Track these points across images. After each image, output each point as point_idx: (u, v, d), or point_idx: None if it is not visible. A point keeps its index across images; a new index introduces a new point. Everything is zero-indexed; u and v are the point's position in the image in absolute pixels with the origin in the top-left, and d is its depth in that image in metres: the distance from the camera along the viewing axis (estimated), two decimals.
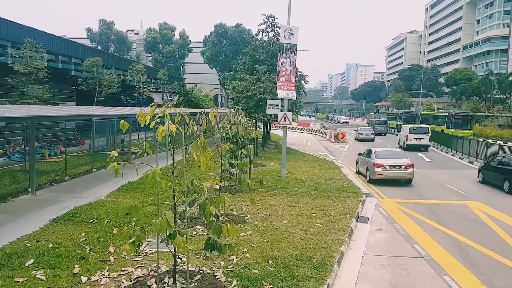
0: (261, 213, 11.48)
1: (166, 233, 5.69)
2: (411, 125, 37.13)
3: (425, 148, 33.50)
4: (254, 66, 26.61)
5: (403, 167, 18.05)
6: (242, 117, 10.24)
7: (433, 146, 36.04)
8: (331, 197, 14.14)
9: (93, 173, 17.37)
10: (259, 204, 12.48)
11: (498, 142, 34.34)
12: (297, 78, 27.67)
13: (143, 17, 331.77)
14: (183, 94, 38.94)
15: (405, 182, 18.51)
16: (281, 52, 17.39)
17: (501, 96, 71.84)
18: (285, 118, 17.53)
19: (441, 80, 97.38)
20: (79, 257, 7.76)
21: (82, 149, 23.27)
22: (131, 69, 32.89)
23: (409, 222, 11.89)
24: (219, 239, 6.44)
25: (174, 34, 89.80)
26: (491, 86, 66.79)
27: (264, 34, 29.02)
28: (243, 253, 8.15)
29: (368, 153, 20.09)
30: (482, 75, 78.14)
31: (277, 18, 28.70)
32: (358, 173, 21.17)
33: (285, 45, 17.35)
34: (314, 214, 11.56)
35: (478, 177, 19.63)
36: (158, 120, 5.97)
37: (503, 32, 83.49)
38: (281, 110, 18.09)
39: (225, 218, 10.63)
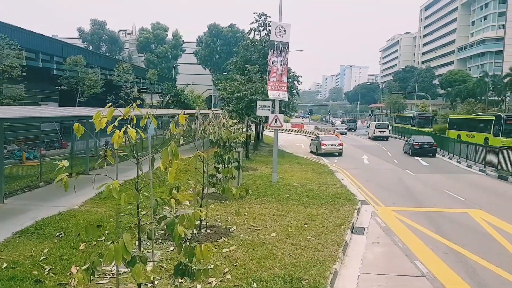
0: (248, 224, 10.53)
1: (124, 261, 4.73)
2: (377, 122, 53.03)
3: (386, 138, 47.03)
4: (246, 66, 25.69)
5: (336, 145, 30.06)
6: (226, 119, 9.31)
7: None
8: (324, 205, 13.22)
9: (71, 178, 16.30)
10: (246, 214, 11.54)
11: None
12: (289, 79, 26.78)
13: (139, 18, 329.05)
14: (174, 95, 37.90)
15: (404, 188, 17.73)
16: (272, 51, 16.48)
17: (496, 98, 71.46)
18: (276, 120, 16.60)
19: (436, 81, 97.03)
20: (35, 279, 6.78)
21: (64, 152, 22.22)
22: (117, 68, 31.76)
23: (408, 233, 10.99)
24: (191, 264, 5.49)
25: (167, 34, 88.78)
26: (486, 88, 66.28)
27: (256, 33, 28.12)
28: (223, 274, 7.20)
29: (317, 138, 33.03)
30: (477, 77, 77.78)
31: (269, 17, 27.82)
32: (311, 152, 31.75)
33: (276, 43, 16.43)
34: (305, 225, 10.64)
35: (403, 149, 33.22)
36: (116, 124, 4.99)
37: (498, 34, 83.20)
38: (272, 112, 17.16)
39: (208, 231, 9.68)
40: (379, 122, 53.15)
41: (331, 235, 9.91)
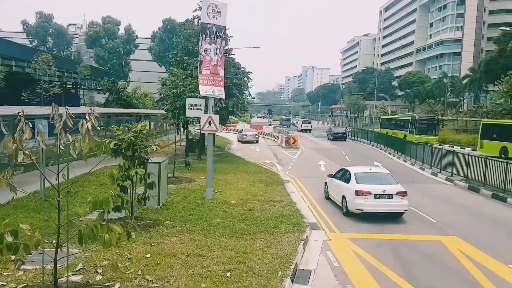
0: (143, 276, 7.28)
1: None
2: (303, 119, 76.04)
3: (309, 130, 63.58)
4: (184, 58, 22.36)
5: (254, 135, 42.06)
6: (93, 122, 6.02)
7: (389, 153, 33.19)
8: (263, 234, 10.17)
9: None
10: (149, 255, 8.30)
11: (454, 148, 31.97)
12: (238, 75, 23.74)
13: (91, 12, 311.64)
14: (114, 92, 33.92)
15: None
16: (204, 36, 13.28)
17: (454, 99, 71.57)
18: (210, 122, 13.40)
19: (395, 83, 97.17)
20: None
21: None
22: (35, 60, 27.32)
23: (369, 280, 8.08)
24: None
25: (118, 29, 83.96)
26: (445, 89, 65.95)
27: (199, 21, 24.68)
28: None
29: (241, 131, 44.36)
30: (435, 79, 77.92)
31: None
32: (238, 141, 41.83)
33: (208, 26, 13.25)
34: (228, 274, 7.52)
35: (326, 137, 47.79)
36: None
37: (456, 35, 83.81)
38: (206, 112, 13.95)
39: None
40: (305, 119, 77.26)
41: None
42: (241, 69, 24.12)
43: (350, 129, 60.27)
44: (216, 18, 13.19)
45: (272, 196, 14.92)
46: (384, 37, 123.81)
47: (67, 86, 37.36)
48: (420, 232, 11.58)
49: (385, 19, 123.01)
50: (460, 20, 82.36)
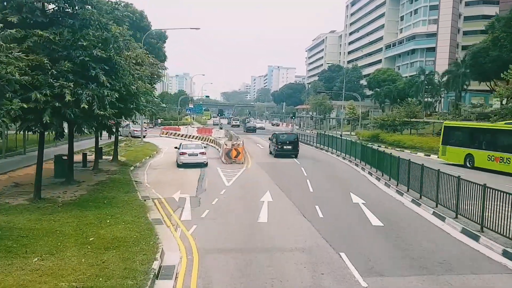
0: None
1: None
2: (233, 117, 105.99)
3: (238, 125, 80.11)
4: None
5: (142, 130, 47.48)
6: None
7: (369, 173, 23.32)
8: None
9: None
10: None
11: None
12: (102, 42, 13.12)
13: None
14: None
15: None
16: None
17: (429, 99, 63.59)
18: None
19: (363, 82, 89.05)
20: None
21: None
22: None
23: None
24: None
25: None
26: (423, 87, 57.48)
27: None
28: None
29: (128, 127, 47.89)
30: (407, 77, 70.02)
31: None
32: (126, 136, 46.75)
33: None
34: None
35: (243, 130, 65.90)
36: None
37: (429, 29, 76.14)
38: None
39: None
40: (234, 117, 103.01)
41: None
42: (112, 33, 13.11)
43: (316, 132, 50.61)
44: None
45: None
46: (350, 34, 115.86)
47: None
48: None
49: (351, 14, 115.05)
50: (433, 13, 74.69)
